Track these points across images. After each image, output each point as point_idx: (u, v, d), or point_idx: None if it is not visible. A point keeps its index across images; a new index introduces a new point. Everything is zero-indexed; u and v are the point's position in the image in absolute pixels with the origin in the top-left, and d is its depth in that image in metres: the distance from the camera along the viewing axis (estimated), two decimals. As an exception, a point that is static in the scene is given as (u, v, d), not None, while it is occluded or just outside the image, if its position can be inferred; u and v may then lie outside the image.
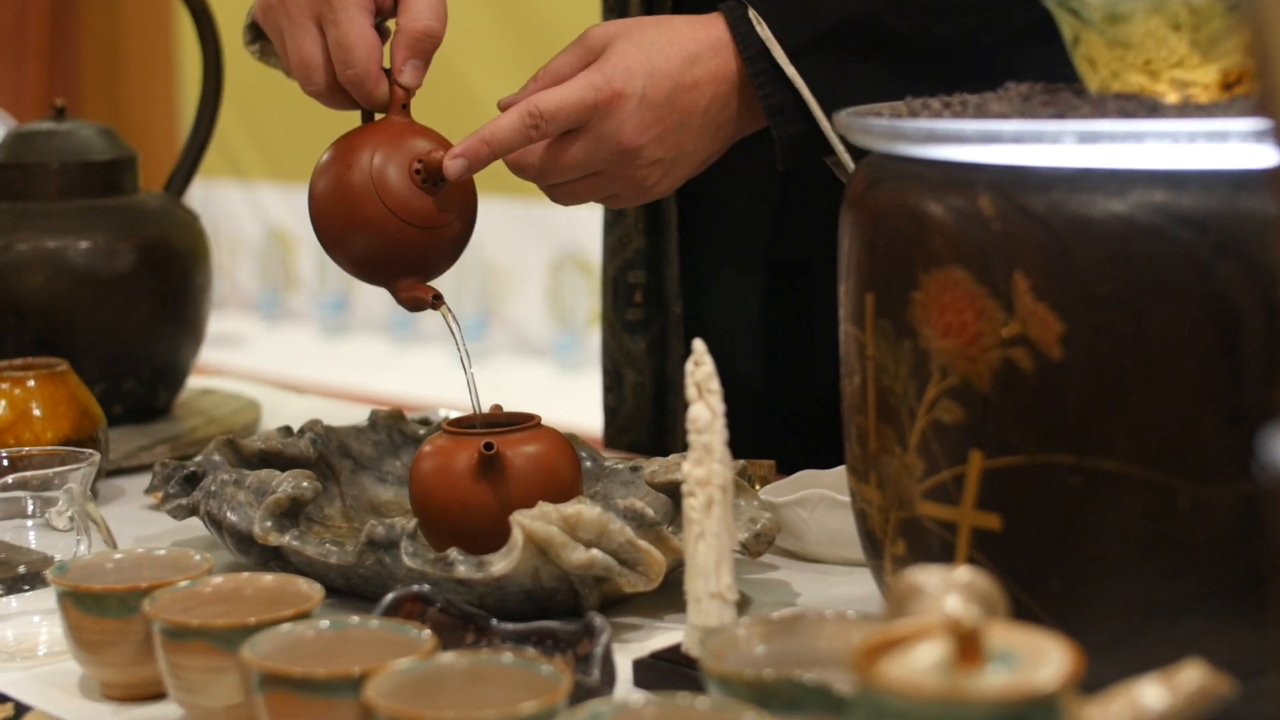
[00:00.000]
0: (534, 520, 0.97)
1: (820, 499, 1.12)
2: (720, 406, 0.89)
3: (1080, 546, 0.78)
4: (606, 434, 1.51)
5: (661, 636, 1.00)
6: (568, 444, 1.10)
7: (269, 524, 1.06)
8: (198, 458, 1.19)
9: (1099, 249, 0.76)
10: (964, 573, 0.70)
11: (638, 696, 0.77)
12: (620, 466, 1.20)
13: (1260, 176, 0.74)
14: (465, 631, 0.93)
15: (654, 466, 1.15)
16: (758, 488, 1.15)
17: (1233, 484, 0.75)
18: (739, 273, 1.41)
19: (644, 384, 1.46)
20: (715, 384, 0.89)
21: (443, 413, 1.37)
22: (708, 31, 1.14)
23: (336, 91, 1.15)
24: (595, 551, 0.98)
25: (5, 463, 1.08)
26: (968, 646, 0.62)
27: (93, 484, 1.07)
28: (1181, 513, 0.76)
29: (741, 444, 1.00)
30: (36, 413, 1.26)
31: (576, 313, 4.20)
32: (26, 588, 1.03)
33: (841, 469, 1.03)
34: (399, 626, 0.85)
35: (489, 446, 1.05)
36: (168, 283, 1.48)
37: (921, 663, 0.63)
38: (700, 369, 0.89)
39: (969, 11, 1.15)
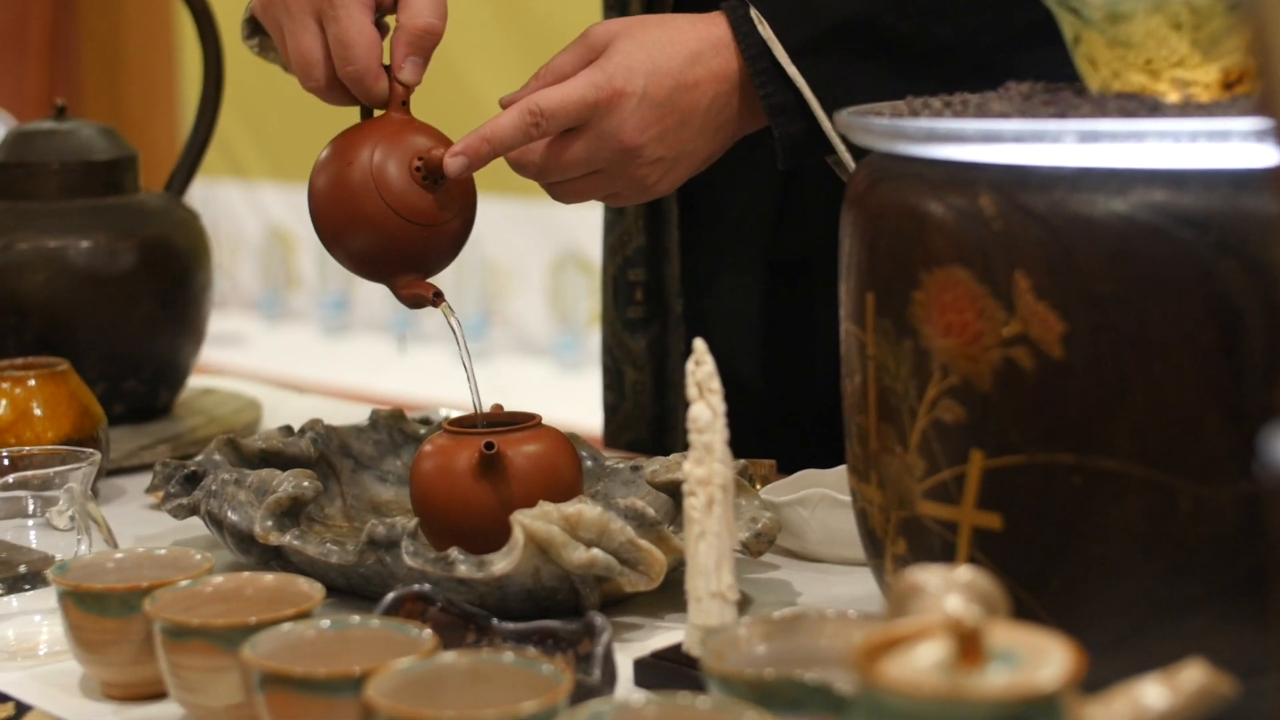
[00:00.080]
0: (535, 520, 0.97)
1: (821, 498, 1.12)
2: (721, 406, 0.89)
3: (1081, 546, 0.78)
4: (606, 432, 1.51)
5: (662, 636, 1.00)
6: (568, 443, 1.10)
7: (270, 523, 1.06)
8: (198, 457, 1.19)
9: (1100, 248, 0.75)
10: (965, 572, 0.69)
11: (638, 696, 0.77)
12: (621, 466, 1.20)
13: (1261, 176, 0.74)
14: (466, 631, 0.93)
15: (655, 466, 1.15)
16: (758, 487, 1.15)
17: (1234, 483, 0.75)
18: (740, 272, 1.41)
19: (644, 382, 1.46)
20: (716, 383, 0.89)
21: (443, 412, 1.37)
22: (709, 30, 1.14)
23: (336, 88, 1.15)
24: (596, 551, 0.98)
25: (6, 462, 1.08)
26: (969, 646, 0.62)
27: (93, 483, 1.07)
28: (1183, 512, 0.76)
29: (742, 443, 1.00)
30: (37, 412, 1.26)
31: (577, 312, 4.20)
32: (27, 587, 1.03)
33: (842, 468, 1.03)
34: (400, 626, 0.85)
35: (490, 446, 1.05)
36: (168, 282, 1.48)
37: (922, 662, 0.63)
38: (701, 368, 0.89)
39: (970, 11, 1.15)
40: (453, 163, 1.10)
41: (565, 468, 1.08)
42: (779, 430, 1.36)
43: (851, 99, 0.96)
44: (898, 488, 0.84)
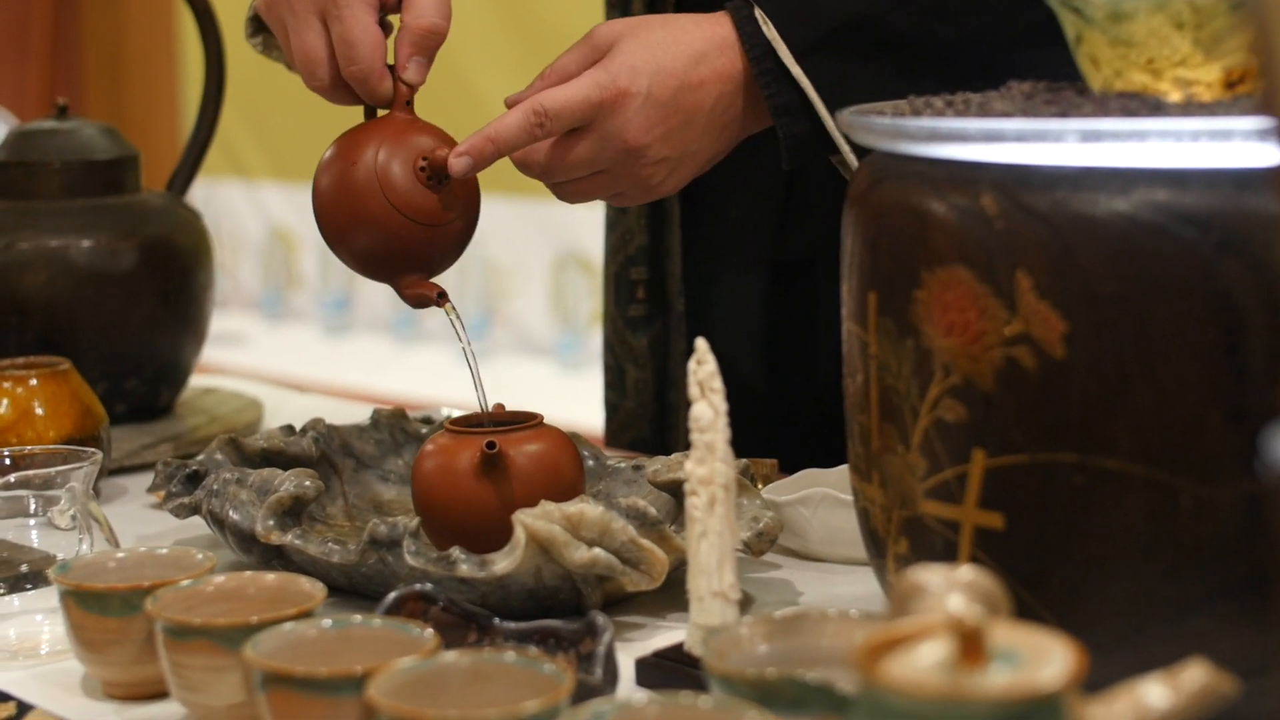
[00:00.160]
0: (536, 519, 0.97)
1: (823, 498, 1.12)
2: (723, 405, 0.89)
3: (1083, 545, 0.78)
4: (608, 430, 1.51)
5: (664, 635, 1.00)
6: (570, 443, 1.10)
7: (271, 523, 1.06)
8: (200, 456, 1.19)
9: (1102, 248, 0.75)
10: (967, 571, 0.69)
11: (640, 695, 0.77)
12: (623, 465, 1.20)
13: (1263, 175, 0.74)
14: (467, 630, 0.93)
15: (656, 465, 1.15)
16: (760, 486, 1.15)
17: (1236, 483, 0.75)
18: (742, 271, 1.41)
19: (646, 380, 1.46)
20: (718, 383, 0.89)
21: (445, 411, 1.37)
22: (714, 30, 1.14)
23: (340, 87, 1.15)
24: (598, 550, 0.98)
25: (8, 461, 1.08)
26: (970, 645, 0.62)
27: (95, 483, 1.07)
28: (1184, 512, 0.76)
29: (744, 443, 1.00)
30: (39, 411, 1.26)
31: (579, 312, 4.20)
32: (29, 586, 1.03)
33: (844, 468, 1.02)
34: (401, 625, 0.85)
35: (491, 445, 1.05)
36: (170, 281, 1.48)
37: (924, 662, 0.63)
38: (703, 368, 0.89)
39: (972, 11, 1.15)
40: (457, 163, 1.10)
41: (567, 467, 1.08)
42: (781, 429, 1.36)
43: (855, 98, 0.96)
44: (899, 487, 0.84)
